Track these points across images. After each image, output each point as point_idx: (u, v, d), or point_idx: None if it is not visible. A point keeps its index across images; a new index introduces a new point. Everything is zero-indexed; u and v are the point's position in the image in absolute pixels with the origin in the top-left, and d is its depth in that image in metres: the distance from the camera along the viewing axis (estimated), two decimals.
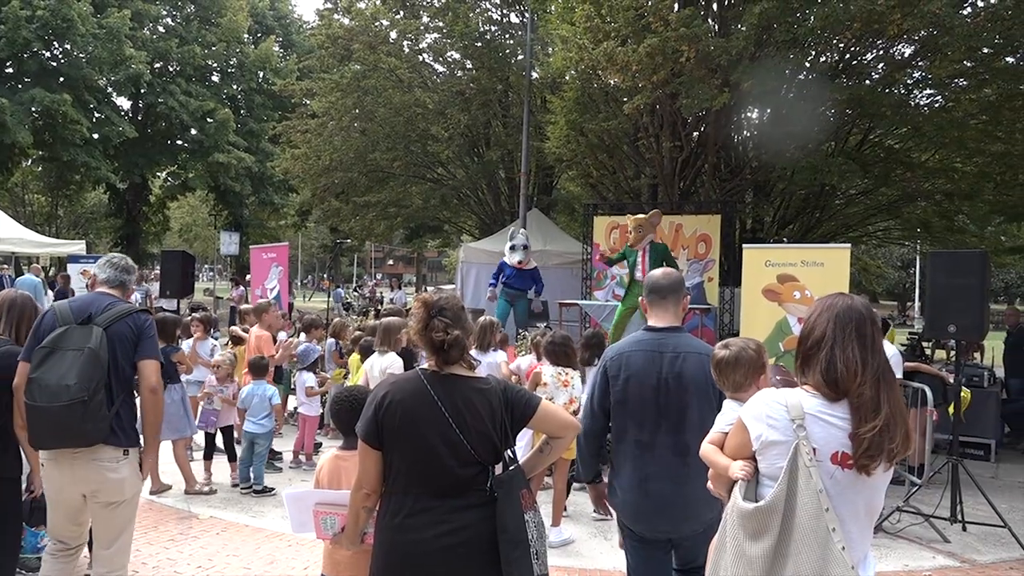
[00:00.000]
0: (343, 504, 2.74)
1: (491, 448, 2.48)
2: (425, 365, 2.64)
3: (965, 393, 7.95)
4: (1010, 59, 11.27)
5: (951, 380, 8.04)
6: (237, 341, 8.44)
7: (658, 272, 3.52)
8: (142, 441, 3.63)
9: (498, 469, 2.52)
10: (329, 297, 23.77)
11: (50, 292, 17.17)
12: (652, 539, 3.33)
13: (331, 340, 9.05)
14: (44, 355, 3.32)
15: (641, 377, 3.27)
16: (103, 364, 3.33)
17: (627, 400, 3.30)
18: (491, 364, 6.59)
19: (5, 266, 21.34)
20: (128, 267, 3.78)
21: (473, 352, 2.97)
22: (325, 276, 52.65)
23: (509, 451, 2.58)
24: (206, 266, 63.55)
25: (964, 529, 6.33)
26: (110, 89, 29.15)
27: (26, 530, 4.32)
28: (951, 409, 7.77)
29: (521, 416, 2.55)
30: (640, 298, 3.64)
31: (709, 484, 2.53)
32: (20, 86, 25.59)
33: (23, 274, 18.87)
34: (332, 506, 2.85)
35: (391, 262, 76.75)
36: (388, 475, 2.52)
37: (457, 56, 19.94)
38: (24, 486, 3.90)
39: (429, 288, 45.89)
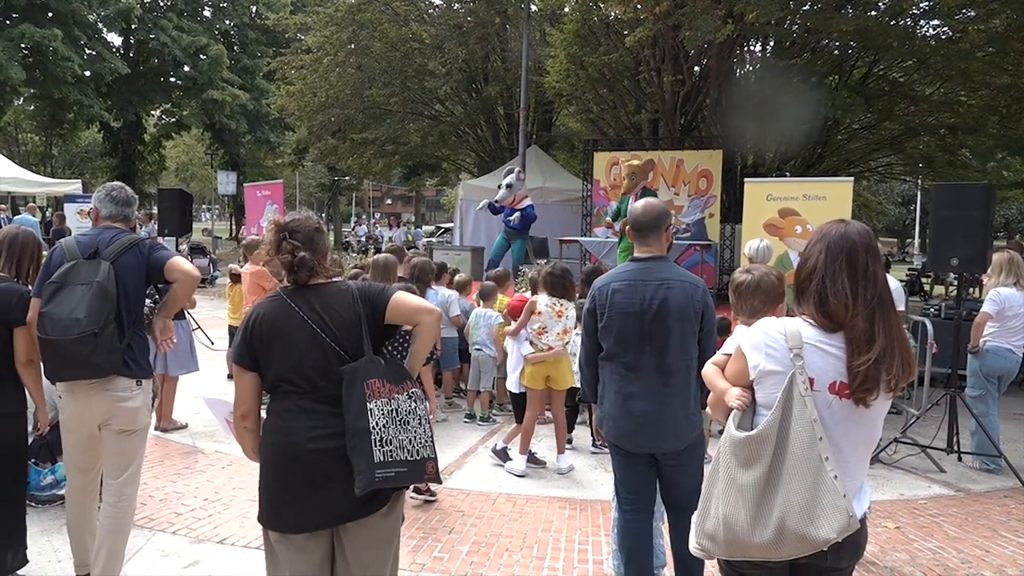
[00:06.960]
0: None
1: (357, 343, 2.60)
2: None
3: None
4: None
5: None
6: (235, 279, 8.42)
7: (639, 207, 3.56)
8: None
9: None
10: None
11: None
12: (636, 453, 3.51)
13: None
14: (54, 290, 3.35)
15: (626, 305, 3.43)
16: (112, 297, 3.36)
17: (613, 326, 3.46)
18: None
19: (2, 206, 21.21)
20: (128, 199, 3.71)
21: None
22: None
23: (385, 349, 2.71)
24: (203, 206, 63.16)
25: (960, 459, 6.43)
26: (100, 24, 28.53)
27: (29, 467, 4.37)
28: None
29: (378, 305, 2.66)
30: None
31: (708, 409, 2.54)
32: (8, 22, 25.01)
33: (19, 214, 18.76)
34: None
35: (389, 201, 76.25)
36: (271, 387, 2.65)
37: None
38: (32, 424, 3.94)
39: (402, 227, 45.65)
